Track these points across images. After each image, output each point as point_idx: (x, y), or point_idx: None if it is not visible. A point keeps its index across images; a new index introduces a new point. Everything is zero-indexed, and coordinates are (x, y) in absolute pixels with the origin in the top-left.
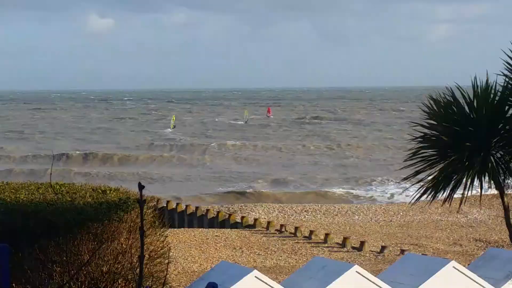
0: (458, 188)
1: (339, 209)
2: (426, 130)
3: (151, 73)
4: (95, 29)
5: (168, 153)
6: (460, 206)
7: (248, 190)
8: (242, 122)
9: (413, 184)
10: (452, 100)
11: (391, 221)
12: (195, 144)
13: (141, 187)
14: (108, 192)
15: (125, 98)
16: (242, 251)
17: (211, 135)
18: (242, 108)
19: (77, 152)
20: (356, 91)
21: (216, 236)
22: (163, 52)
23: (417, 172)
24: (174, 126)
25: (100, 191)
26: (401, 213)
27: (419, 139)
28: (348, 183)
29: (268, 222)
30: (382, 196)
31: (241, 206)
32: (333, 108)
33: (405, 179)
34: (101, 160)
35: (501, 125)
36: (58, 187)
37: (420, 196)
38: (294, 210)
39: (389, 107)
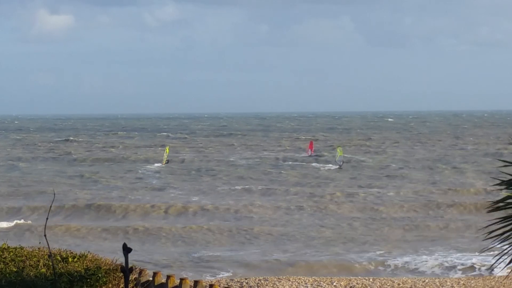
0: None
1: (399, 284)
2: None
3: (128, 93)
4: (44, 30)
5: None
6: None
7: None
8: (335, 166)
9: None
10: None
11: None
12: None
13: (127, 250)
14: (70, 260)
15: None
16: None
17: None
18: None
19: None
20: (417, 116)
21: None
22: (149, 62)
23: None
24: (168, 161)
25: (59, 258)
26: None
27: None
28: (409, 248)
29: None
30: (459, 266)
31: (260, 279)
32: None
33: (495, 236)
34: (60, 212)
35: None
36: None
37: None
38: (334, 285)
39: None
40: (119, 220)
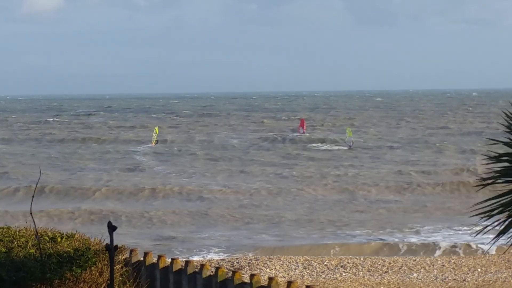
0: None
1: (389, 263)
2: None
3: (116, 73)
4: (33, 9)
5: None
6: None
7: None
8: (345, 147)
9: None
10: None
11: (464, 280)
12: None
13: (112, 228)
14: (59, 239)
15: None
16: None
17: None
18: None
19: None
20: (397, 95)
21: None
22: (138, 42)
23: (500, 210)
24: (157, 142)
25: (47, 238)
26: (479, 269)
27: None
28: (395, 228)
29: (289, 283)
30: (451, 244)
31: (251, 259)
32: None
33: (487, 216)
34: (45, 193)
35: None
36: None
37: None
38: (325, 265)
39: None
40: (97, 202)
